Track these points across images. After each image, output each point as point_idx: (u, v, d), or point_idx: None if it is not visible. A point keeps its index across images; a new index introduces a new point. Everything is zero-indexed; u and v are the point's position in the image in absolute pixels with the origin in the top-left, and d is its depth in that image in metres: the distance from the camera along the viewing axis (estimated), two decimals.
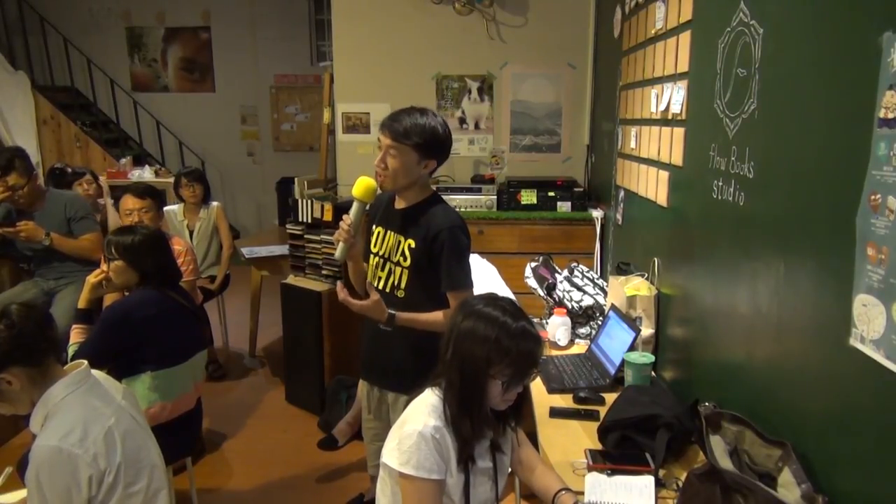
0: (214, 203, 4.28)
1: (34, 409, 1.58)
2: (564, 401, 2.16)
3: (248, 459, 3.16)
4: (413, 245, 1.95)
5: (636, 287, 2.48)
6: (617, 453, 1.76)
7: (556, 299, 2.78)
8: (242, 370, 4.24)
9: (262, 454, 3.20)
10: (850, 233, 1.21)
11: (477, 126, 4.48)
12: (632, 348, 2.24)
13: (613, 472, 1.69)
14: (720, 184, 1.85)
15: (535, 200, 3.97)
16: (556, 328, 2.63)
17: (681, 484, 1.61)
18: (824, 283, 1.33)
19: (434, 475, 1.42)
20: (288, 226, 3.71)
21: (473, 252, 2.16)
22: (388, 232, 2.02)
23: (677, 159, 2.25)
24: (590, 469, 1.72)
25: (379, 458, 1.53)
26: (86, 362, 1.69)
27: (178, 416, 2.37)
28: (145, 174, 6.58)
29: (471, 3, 4.23)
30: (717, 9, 1.89)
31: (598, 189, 3.99)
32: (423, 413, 1.47)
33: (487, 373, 1.42)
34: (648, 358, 2.20)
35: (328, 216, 3.43)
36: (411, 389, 1.62)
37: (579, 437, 1.93)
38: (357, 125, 4.50)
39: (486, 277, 2.90)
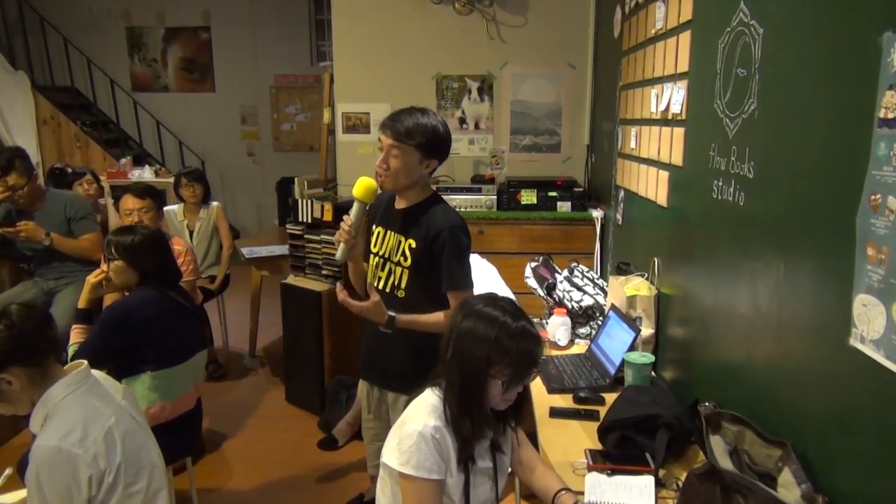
0: (214, 203, 4.28)
1: (34, 410, 1.58)
2: (564, 401, 2.16)
3: (248, 459, 3.16)
4: (414, 245, 1.95)
5: (636, 287, 2.48)
6: (617, 453, 1.76)
7: (556, 299, 2.78)
8: (242, 370, 4.24)
9: (262, 454, 3.20)
10: (850, 233, 1.21)
11: (477, 126, 4.48)
12: (632, 348, 2.24)
13: (613, 472, 1.69)
14: (720, 184, 1.85)
15: (535, 200, 3.97)
16: (556, 328, 2.63)
17: (681, 484, 1.61)
18: (824, 283, 1.33)
19: (434, 475, 1.42)
20: (288, 226, 3.71)
21: (473, 252, 2.16)
22: (389, 232, 2.02)
23: (677, 159, 2.25)
24: (590, 469, 1.72)
25: (379, 457, 1.53)
26: (86, 362, 1.69)
27: (178, 416, 2.37)
28: (145, 174, 6.58)
29: (471, 3, 4.23)
30: (717, 9, 1.89)
31: (598, 189, 3.99)
32: (423, 413, 1.47)
33: (487, 372, 1.42)
34: (648, 358, 2.20)
35: (328, 216, 3.43)
36: (411, 389, 1.62)
37: (579, 437, 1.93)
38: (357, 125, 4.50)
39: (486, 277, 2.90)
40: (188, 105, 7.74)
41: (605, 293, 2.81)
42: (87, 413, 1.58)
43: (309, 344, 3.47)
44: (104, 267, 2.36)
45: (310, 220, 3.53)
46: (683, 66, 2.20)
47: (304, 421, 3.48)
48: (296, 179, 4.27)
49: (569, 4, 4.25)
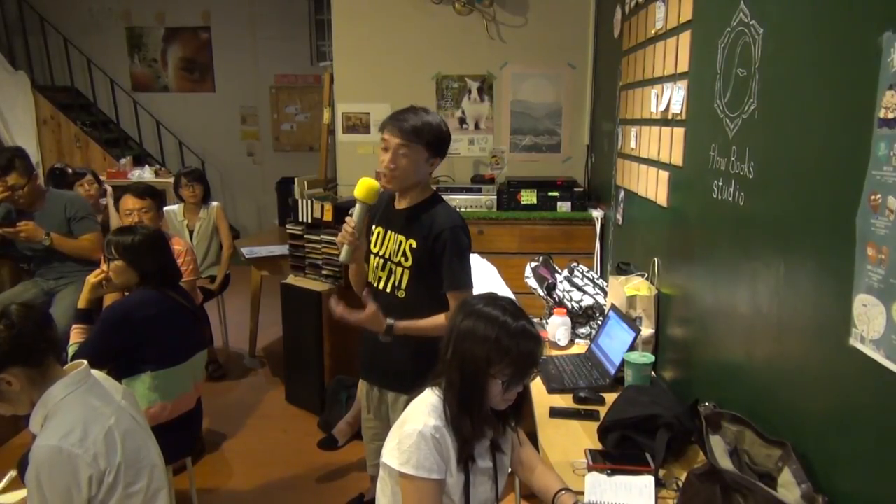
0: (214, 203, 4.28)
1: (34, 410, 1.58)
2: (564, 401, 2.16)
3: (248, 459, 3.16)
4: (415, 245, 1.95)
5: (636, 287, 2.48)
6: (617, 453, 1.76)
7: (556, 299, 2.78)
8: (242, 370, 4.24)
9: (262, 454, 3.20)
10: (850, 233, 1.21)
11: (477, 126, 4.48)
12: (632, 348, 2.24)
13: (613, 472, 1.69)
14: (720, 184, 1.85)
15: (535, 200, 3.97)
16: (556, 328, 2.63)
17: (681, 484, 1.61)
18: (824, 283, 1.33)
19: (434, 475, 1.42)
20: (288, 226, 3.71)
21: (473, 252, 2.16)
22: (389, 232, 2.02)
23: (677, 159, 2.25)
24: (590, 469, 1.72)
25: (379, 457, 1.53)
26: (85, 362, 1.69)
27: (178, 416, 2.37)
28: (145, 174, 6.59)
29: (471, 3, 4.23)
30: (717, 9, 1.89)
31: (598, 189, 3.99)
32: (422, 413, 1.47)
33: (488, 372, 1.42)
34: (648, 358, 2.20)
35: (328, 216, 3.43)
36: (411, 389, 1.62)
37: (579, 437, 1.93)
38: (357, 125, 4.50)
39: (486, 277, 2.90)
40: (188, 105, 7.74)
41: (605, 293, 2.81)
42: (87, 413, 1.58)
43: (309, 344, 3.47)
44: (104, 267, 2.36)
45: (310, 220, 3.53)
46: (683, 66, 2.20)
47: (304, 421, 3.48)
48: (296, 179, 4.27)
49: (569, 4, 4.25)
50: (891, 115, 1.10)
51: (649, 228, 2.71)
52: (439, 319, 1.91)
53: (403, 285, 1.98)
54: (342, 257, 1.96)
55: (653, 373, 2.22)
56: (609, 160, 3.46)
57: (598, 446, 1.84)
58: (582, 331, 2.73)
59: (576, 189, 3.99)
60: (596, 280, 2.97)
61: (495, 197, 4.04)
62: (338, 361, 3.45)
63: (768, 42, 1.59)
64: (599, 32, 4.10)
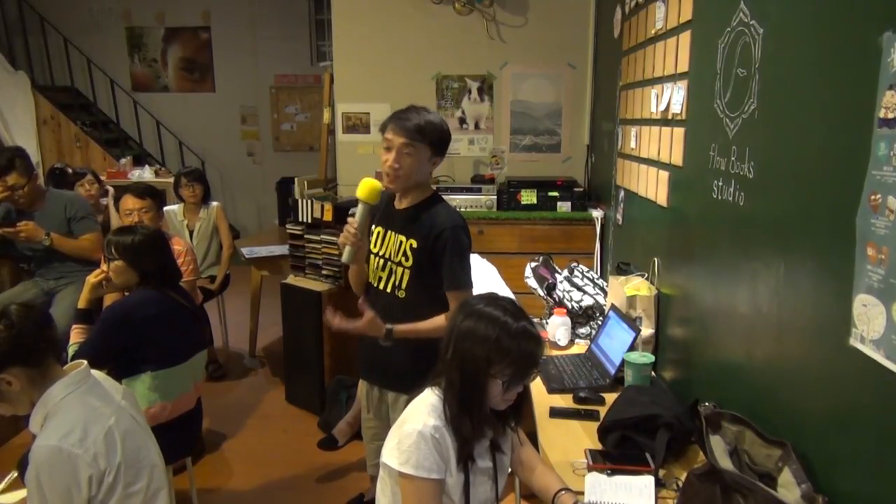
0: (214, 203, 4.28)
1: (34, 410, 1.58)
2: (564, 401, 2.16)
3: (248, 459, 3.16)
4: (415, 245, 1.94)
5: (636, 287, 2.48)
6: (617, 453, 1.76)
7: (556, 299, 2.78)
8: (242, 370, 4.24)
9: (262, 454, 3.20)
10: (850, 233, 1.21)
11: (477, 126, 4.48)
12: (632, 348, 2.24)
13: (613, 472, 1.69)
14: (720, 184, 1.85)
15: (535, 200, 3.97)
16: (556, 328, 2.63)
17: (681, 484, 1.61)
18: (824, 283, 1.33)
19: (434, 474, 1.42)
20: (288, 226, 3.70)
21: (473, 252, 2.16)
22: (389, 232, 2.02)
23: (677, 159, 2.25)
24: (590, 469, 1.72)
25: (379, 457, 1.53)
26: (85, 362, 1.69)
27: (178, 416, 2.37)
28: (145, 174, 6.59)
29: (471, 3, 4.23)
30: (717, 9, 1.89)
31: (598, 189, 3.99)
32: (422, 412, 1.47)
33: (488, 372, 1.42)
34: (648, 358, 2.20)
35: (328, 216, 3.43)
36: (411, 389, 1.62)
37: (579, 437, 1.93)
38: (357, 125, 4.50)
39: (486, 277, 2.90)
40: (188, 105, 7.74)
41: (605, 293, 2.81)
42: (86, 413, 1.58)
43: (309, 344, 3.47)
44: (104, 267, 2.36)
45: (310, 220, 3.53)
46: (683, 66, 2.20)
47: (304, 421, 3.48)
48: (296, 179, 4.27)
49: (569, 4, 4.25)
50: (891, 115, 1.10)
51: (649, 228, 2.71)
52: (439, 321, 1.91)
53: (404, 285, 1.98)
54: (345, 258, 1.96)
55: (653, 373, 2.22)
56: (609, 160, 3.46)
57: (598, 446, 1.84)
58: (582, 331, 2.73)
59: (576, 189, 3.99)
60: (596, 280, 2.97)
61: (495, 197, 4.04)
62: (338, 361, 3.45)
63: (768, 42, 1.59)
64: (599, 32, 4.10)
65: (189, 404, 2.44)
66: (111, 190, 4.62)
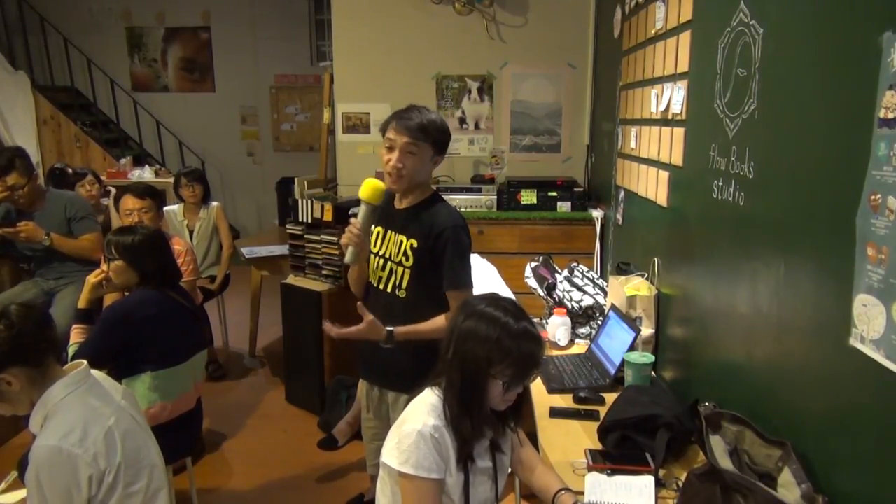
0: (214, 203, 4.28)
1: (34, 410, 1.58)
2: (564, 401, 2.16)
3: (248, 459, 3.16)
4: (416, 245, 1.94)
5: (636, 287, 2.48)
6: (617, 453, 1.76)
7: (556, 299, 2.78)
8: (242, 370, 4.24)
9: (262, 454, 3.20)
10: (850, 233, 1.21)
11: (477, 126, 4.48)
12: (632, 348, 2.24)
13: (613, 472, 1.69)
14: (720, 184, 1.85)
15: (535, 200, 3.97)
16: (556, 328, 2.63)
17: (681, 484, 1.61)
18: (824, 283, 1.33)
19: (433, 474, 1.42)
20: (288, 226, 3.70)
21: (473, 252, 2.16)
22: (389, 232, 2.02)
23: (677, 159, 2.25)
24: (590, 469, 1.72)
25: (378, 457, 1.53)
26: (85, 362, 1.69)
27: (178, 416, 2.37)
28: (145, 174, 6.59)
29: (471, 3, 4.24)
30: (717, 9, 1.89)
31: (598, 189, 3.99)
32: (422, 412, 1.47)
33: (488, 373, 1.42)
34: (648, 358, 2.20)
35: (328, 216, 3.43)
36: (412, 389, 1.62)
37: (579, 437, 1.93)
38: (357, 125, 4.50)
39: (486, 277, 2.90)
40: (188, 105, 7.74)
41: (605, 293, 2.81)
42: (86, 413, 1.58)
43: (309, 344, 3.47)
44: (104, 267, 2.36)
45: (310, 220, 3.53)
46: (683, 66, 2.20)
47: (304, 421, 3.48)
48: (296, 179, 4.27)
49: (569, 4, 4.25)
50: (891, 115, 1.10)
51: (649, 228, 2.71)
52: (439, 321, 1.91)
53: (404, 285, 1.98)
54: (348, 258, 1.96)
55: (653, 373, 2.22)
56: (609, 160, 3.46)
57: (598, 446, 1.84)
58: (582, 331, 2.73)
59: (576, 189, 3.99)
60: (596, 280, 2.97)
61: (495, 197, 4.04)
62: (338, 361, 3.45)
63: (768, 42, 1.59)
64: (599, 32, 4.10)
65: (189, 404, 2.44)
66: (113, 191, 4.62)
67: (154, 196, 3.20)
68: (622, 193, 3.18)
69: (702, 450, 1.59)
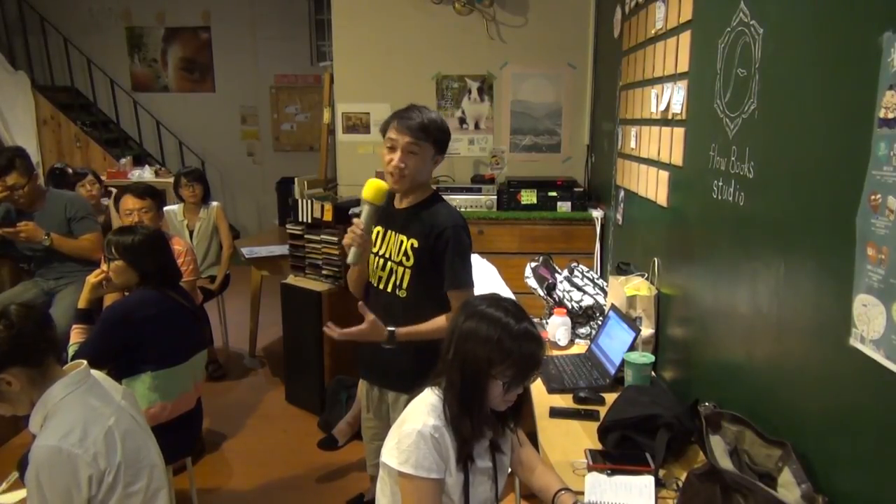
0: (214, 203, 4.28)
1: (33, 410, 1.58)
2: (564, 401, 2.16)
3: (248, 459, 3.16)
4: (416, 244, 1.94)
5: (636, 287, 2.48)
6: (617, 453, 1.76)
7: (556, 299, 2.78)
8: (242, 370, 4.24)
9: (262, 454, 3.20)
10: (850, 233, 1.21)
11: (477, 126, 4.48)
12: (632, 348, 2.24)
13: (613, 472, 1.69)
14: (720, 184, 1.85)
15: (535, 200, 3.97)
16: (556, 328, 2.63)
17: (681, 484, 1.61)
18: (824, 283, 1.33)
19: (433, 474, 1.42)
20: (288, 226, 3.70)
21: (473, 252, 2.16)
22: (389, 232, 2.02)
23: (677, 159, 2.25)
24: (590, 469, 1.72)
25: (378, 457, 1.53)
26: (85, 362, 1.69)
27: (178, 416, 2.37)
28: (145, 174, 6.59)
29: (471, 3, 4.23)
30: (717, 9, 1.89)
31: (598, 189, 3.99)
32: (422, 412, 1.47)
33: (489, 373, 1.42)
34: (648, 358, 2.20)
35: (328, 216, 3.43)
36: (412, 388, 1.62)
37: (579, 437, 1.93)
38: (357, 125, 4.50)
39: (486, 277, 2.90)
40: (188, 105, 7.74)
41: (605, 293, 2.81)
42: (86, 413, 1.58)
43: (309, 344, 3.47)
44: (104, 267, 2.36)
45: (310, 220, 3.53)
46: (683, 66, 2.20)
47: (304, 421, 3.48)
48: (296, 179, 4.27)
49: (569, 4, 4.25)
50: (891, 115, 1.10)
51: (649, 228, 2.71)
52: (440, 321, 1.91)
53: (405, 285, 1.97)
54: (350, 259, 1.95)
55: (653, 373, 2.22)
56: (609, 160, 3.46)
57: (598, 446, 1.84)
58: (582, 331, 2.73)
59: (576, 189, 3.99)
60: (596, 280, 2.97)
61: (495, 197, 4.04)
62: (338, 361, 3.45)
63: (768, 42, 1.59)
64: (599, 32, 4.10)
65: (189, 404, 2.44)
66: (114, 191, 4.62)
67: (154, 196, 3.20)
68: (622, 193, 3.18)
69: (702, 450, 1.59)
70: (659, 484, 1.65)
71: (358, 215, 1.96)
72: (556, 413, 2.07)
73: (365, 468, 2.39)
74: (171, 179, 4.64)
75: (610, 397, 2.06)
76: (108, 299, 2.53)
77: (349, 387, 3.26)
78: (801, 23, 1.45)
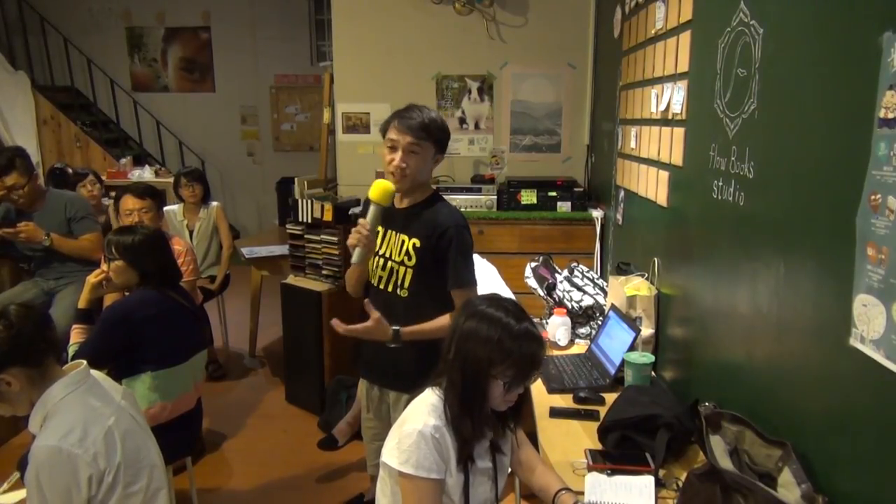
0: (214, 203, 4.28)
1: (33, 410, 1.58)
2: (564, 401, 2.16)
3: (248, 459, 3.16)
4: (418, 244, 1.94)
5: (636, 287, 2.48)
6: (617, 453, 1.76)
7: (556, 299, 2.78)
8: (242, 370, 4.24)
9: (262, 454, 3.20)
10: (850, 233, 1.21)
11: (477, 126, 4.48)
12: (632, 348, 2.24)
13: (613, 472, 1.69)
14: (720, 184, 1.85)
15: (535, 200, 3.97)
16: (556, 328, 2.63)
17: (681, 484, 1.61)
18: (824, 283, 1.33)
19: (433, 474, 1.42)
20: (288, 226, 3.70)
21: (474, 252, 2.16)
22: (390, 231, 2.02)
23: (677, 159, 2.25)
24: (590, 469, 1.72)
25: (379, 457, 1.53)
26: (85, 362, 1.69)
27: (178, 416, 2.37)
28: (145, 174, 6.59)
29: (471, 3, 4.23)
30: (717, 9, 1.89)
31: (598, 189, 3.99)
32: (422, 412, 1.47)
33: (489, 373, 1.42)
34: (648, 358, 2.20)
35: (328, 216, 3.43)
36: (412, 388, 1.62)
37: (579, 437, 1.93)
38: (357, 125, 4.50)
39: (486, 277, 2.90)
40: (188, 105, 7.74)
41: (605, 293, 2.81)
42: (86, 413, 1.58)
43: (309, 344, 3.47)
44: (104, 267, 2.36)
45: (310, 220, 3.53)
46: (683, 66, 2.20)
47: (304, 421, 3.48)
48: (296, 179, 4.27)
49: (569, 4, 4.25)
50: (891, 115, 1.10)
51: (649, 228, 2.71)
52: (444, 320, 1.91)
53: (406, 284, 1.97)
54: (355, 259, 1.95)
55: (653, 373, 2.22)
56: (609, 160, 3.46)
57: (598, 446, 1.84)
58: (582, 331, 2.73)
59: (576, 189, 3.99)
60: (596, 280, 2.97)
61: (495, 197, 4.04)
62: (338, 361, 3.45)
63: (768, 42, 1.59)
64: (599, 32, 4.10)
65: (189, 404, 2.44)
66: (113, 194, 4.62)
67: (154, 196, 3.20)
68: (622, 193, 3.18)
69: (702, 450, 1.59)
70: (659, 484, 1.65)
71: (359, 215, 1.96)
72: (556, 413, 2.07)
73: (365, 468, 2.40)
74: (171, 179, 4.64)
75: (610, 397, 2.06)
76: (108, 299, 2.53)
77: (349, 387, 3.26)
78: (801, 23, 1.45)
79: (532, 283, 2.94)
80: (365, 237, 1.90)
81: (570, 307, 2.72)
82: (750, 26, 1.67)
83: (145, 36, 7.68)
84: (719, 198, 1.86)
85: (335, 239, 3.38)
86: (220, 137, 7.76)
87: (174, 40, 7.69)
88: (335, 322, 1.90)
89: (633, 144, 2.88)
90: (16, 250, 3.28)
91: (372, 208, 1.92)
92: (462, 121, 4.46)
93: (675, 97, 2.26)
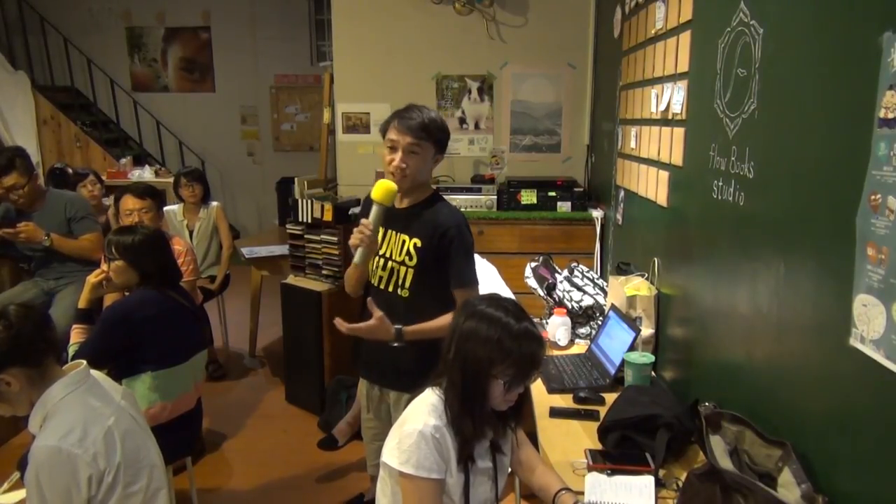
0: (214, 203, 4.28)
1: (33, 410, 1.58)
2: (564, 401, 2.16)
3: (248, 459, 3.16)
4: (419, 244, 1.94)
5: (636, 287, 2.48)
6: (617, 453, 1.76)
7: (556, 299, 2.78)
8: (242, 370, 4.24)
9: (262, 454, 3.20)
10: (850, 233, 1.21)
11: (477, 126, 4.48)
12: (632, 348, 2.24)
13: (613, 472, 1.69)
14: (720, 184, 1.85)
15: (535, 200, 3.97)
16: (556, 328, 2.63)
17: (681, 484, 1.61)
18: (824, 283, 1.33)
19: (434, 474, 1.42)
20: (288, 226, 3.70)
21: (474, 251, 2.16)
22: (390, 231, 2.02)
23: (677, 159, 2.25)
24: (590, 469, 1.72)
25: (379, 457, 1.53)
26: (84, 362, 1.69)
27: (178, 416, 2.37)
28: (145, 174, 6.59)
29: (471, 3, 4.23)
30: (717, 9, 1.89)
31: (598, 189, 3.99)
32: (423, 412, 1.47)
33: (489, 373, 1.42)
34: (648, 358, 2.20)
35: (328, 216, 3.43)
36: (413, 388, 1.62)
37: (579, 437, 1.93)
38: (357, 125, 4.50)
39: (486, 277, 2.90)
40: (188, 105, 7.74)
41: (605, 293, 2.81)
42: (86, 413, 1.58)
43: (309, 344, 3.47)
44: (104, 267, 2.36)
45: (310, 220, 3.53)
46: (683, 66, 2.20)
47: (304, 421, 3.48)
48: (296, 179, 4.27)
49: (569, 4, 4.25)
50: (891, 115, 1.10)
51: (649, 228, 2.71)
52: (447, 319, 1.90)
53: (407, 284, 1.97)
54: (357, 259, 1.95)
55: (653, 373, 2.22)
56: (609, 160, 3.46)
57: (598, 446, 1.84)
58: (582, 331, 2.73)
59: (576, 189, 3.99)
60: (596, 280, 2.97)
61: (495, 197, 4.04)
62: (338, 361, 3.45)
63: (768, 42, 1.59)
64: (599, 32, 4.10)
65: (189, 404, 2.44)
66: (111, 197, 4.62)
67: (154, 196, 3.20)
68: (622, 193, 3.18)
69: (702, 450, 1.59)
70: (659, 484, 1.65)
71: (359, 216, 1.96)
72: (556, 413, 2.07)
73: (365, 468, 2.40)
74: (171, 179, 4.64)
75: (610, 397, 2.06)
76: (108, 299, 2.53)
77: (349, 387, 3.26)
78: (801, 23, 1.45)
79: (532, 283, 2.94)
80: (367, 237, 1.90)
81: (570, 307, 2.72)
82: (750, 26, 1.67)
83: (145, 36, 7.68)
84: (719, 198, 1.86)
85: (335, 239, 3.38)
86: (220, 137, 7.76)
87: (174, 40, 7.68)
88: (338, 321, 1.90)
89: (633, 144, 2.88)
90: (16, 250, 3.28)
91: (374, 208, 1.92)
92: (462, 121, 4.46)
93: (675, 97, 2.26)
